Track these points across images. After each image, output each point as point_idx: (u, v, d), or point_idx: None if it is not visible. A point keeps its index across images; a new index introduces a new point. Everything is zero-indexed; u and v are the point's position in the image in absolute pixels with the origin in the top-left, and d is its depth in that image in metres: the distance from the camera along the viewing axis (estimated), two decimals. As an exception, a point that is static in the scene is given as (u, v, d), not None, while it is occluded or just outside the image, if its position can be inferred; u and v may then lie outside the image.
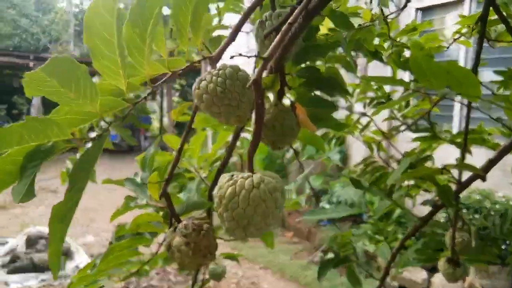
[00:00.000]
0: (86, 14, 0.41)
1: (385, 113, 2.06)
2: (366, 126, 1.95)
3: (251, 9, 0.74)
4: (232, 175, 0.58)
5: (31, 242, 4.92)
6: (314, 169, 6.46)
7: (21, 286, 4.13)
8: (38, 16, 20.41)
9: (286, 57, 0.76)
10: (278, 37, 0.56)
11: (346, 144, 6.79)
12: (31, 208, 6.80)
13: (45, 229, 5.24)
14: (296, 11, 0.59)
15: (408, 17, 5.05)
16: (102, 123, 0.48)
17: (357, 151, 6.07)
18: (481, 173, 0.96)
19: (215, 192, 0.58)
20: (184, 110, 0.90)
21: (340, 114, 2.27)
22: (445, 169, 1.01)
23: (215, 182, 0.99)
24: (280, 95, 0.78)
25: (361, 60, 2.18)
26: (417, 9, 5.33)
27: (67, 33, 21.03)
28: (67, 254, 4.88)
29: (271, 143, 0.76)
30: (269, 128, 0.74)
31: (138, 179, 1.01)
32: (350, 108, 2.11)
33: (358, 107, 2.14)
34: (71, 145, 0.45)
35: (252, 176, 0.57)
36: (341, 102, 1.89)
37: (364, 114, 1.93)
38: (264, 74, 0.70)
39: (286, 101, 0.82)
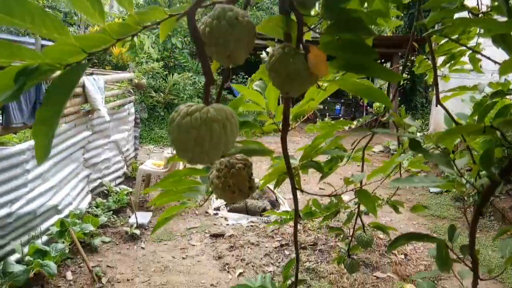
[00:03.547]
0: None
1: None
2: None
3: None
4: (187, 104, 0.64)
5: (250, 190, 5.87)
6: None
7: (235, 222, 5.04)
8: None
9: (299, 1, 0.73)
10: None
11: None
12: (259, 164, 7.99)
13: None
14: None
15: None
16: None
17: None
18: None
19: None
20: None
21: None
22: None
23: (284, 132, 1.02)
24: (299, 39, 0.75)
25: None
26: None
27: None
28: (274, 205, 5.59)
29: (280, 87, 0.76)
30: (274, 71, 0.74)
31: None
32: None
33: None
34: (52, 67, 0.62)
35: (197, 106, 0.62)
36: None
37: None
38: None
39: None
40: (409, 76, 12.03)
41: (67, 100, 0.64)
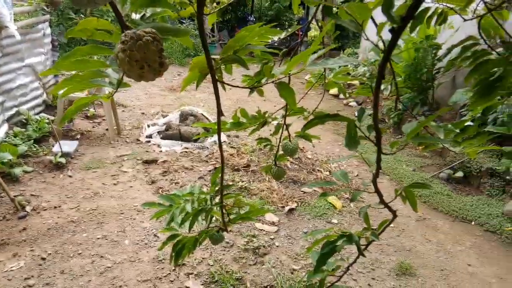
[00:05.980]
0: None
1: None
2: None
3: None
4: None
5: (182, 117, 5.77)
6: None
7: (169, 149, 4.98)
8: None
9: None
10: None
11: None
12: (193, 93, 7.82)
13: (195, 109, 6.02)
14: None
15: None
16: None
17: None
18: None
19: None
20: None
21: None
22: None
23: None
24: None
25: None
26: None
27: None
28: (208, 130, 5.57)
29: None
30: None
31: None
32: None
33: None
34: None
35: None
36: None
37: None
38: None
39: None
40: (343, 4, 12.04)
41: None
